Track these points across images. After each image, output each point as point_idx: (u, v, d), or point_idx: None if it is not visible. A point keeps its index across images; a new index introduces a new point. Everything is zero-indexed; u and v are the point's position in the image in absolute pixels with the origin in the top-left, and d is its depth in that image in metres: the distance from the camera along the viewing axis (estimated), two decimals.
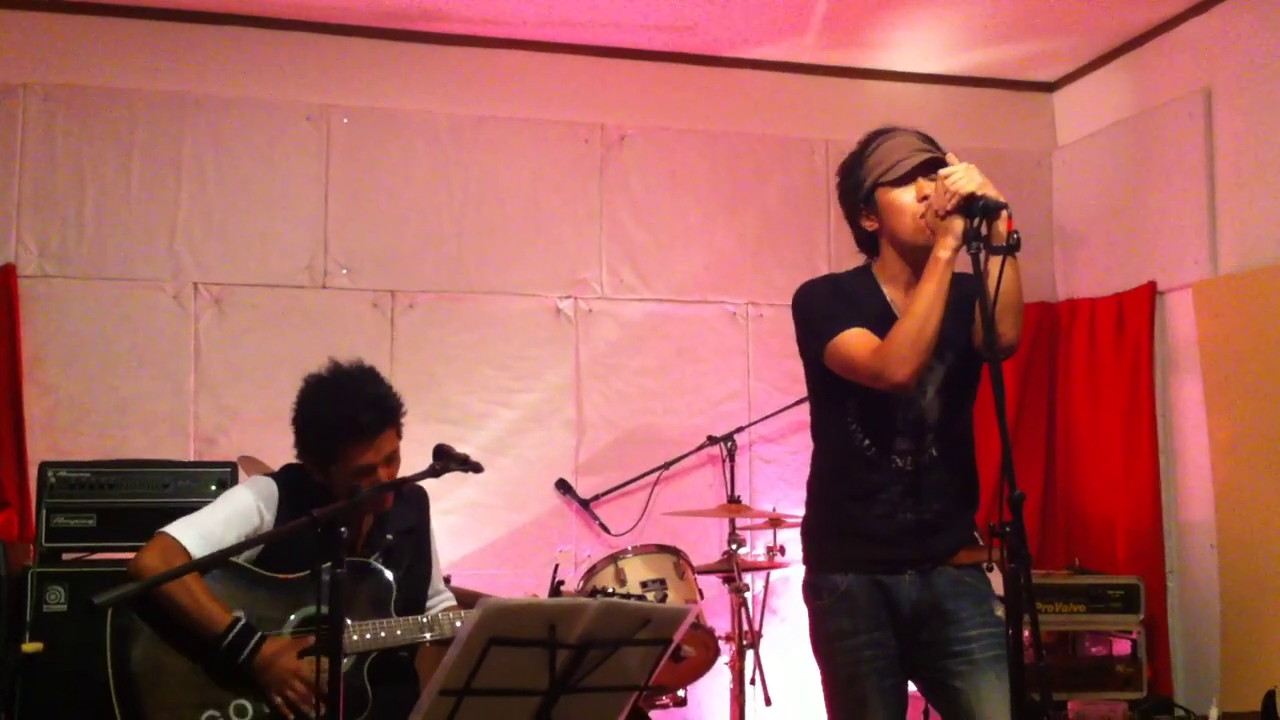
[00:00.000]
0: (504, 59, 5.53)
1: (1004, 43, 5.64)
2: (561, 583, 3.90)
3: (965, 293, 2.71)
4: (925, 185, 2.79)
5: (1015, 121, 6.08)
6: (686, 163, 5.69)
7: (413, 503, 3.39)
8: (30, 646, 4.03)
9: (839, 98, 5.87)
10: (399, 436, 3.24)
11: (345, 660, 3.00)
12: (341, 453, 3.11)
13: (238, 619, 2.95)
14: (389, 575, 3.17)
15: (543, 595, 3.69)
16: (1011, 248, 2.55)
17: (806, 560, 3.03)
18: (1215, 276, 5.04)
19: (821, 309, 2.90)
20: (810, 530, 3.04)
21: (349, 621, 3.03)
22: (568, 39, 5.52)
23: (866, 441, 2.88)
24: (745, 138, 5.76)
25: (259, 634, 2.96)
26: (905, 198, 2.82)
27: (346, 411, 3.11)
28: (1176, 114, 5.27)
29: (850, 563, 2.89)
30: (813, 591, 2.98)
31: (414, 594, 3.31)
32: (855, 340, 2.79)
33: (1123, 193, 5.64)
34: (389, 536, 3.26)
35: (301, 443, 3.20)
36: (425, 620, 3.15)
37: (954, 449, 2.90)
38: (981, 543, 2.85)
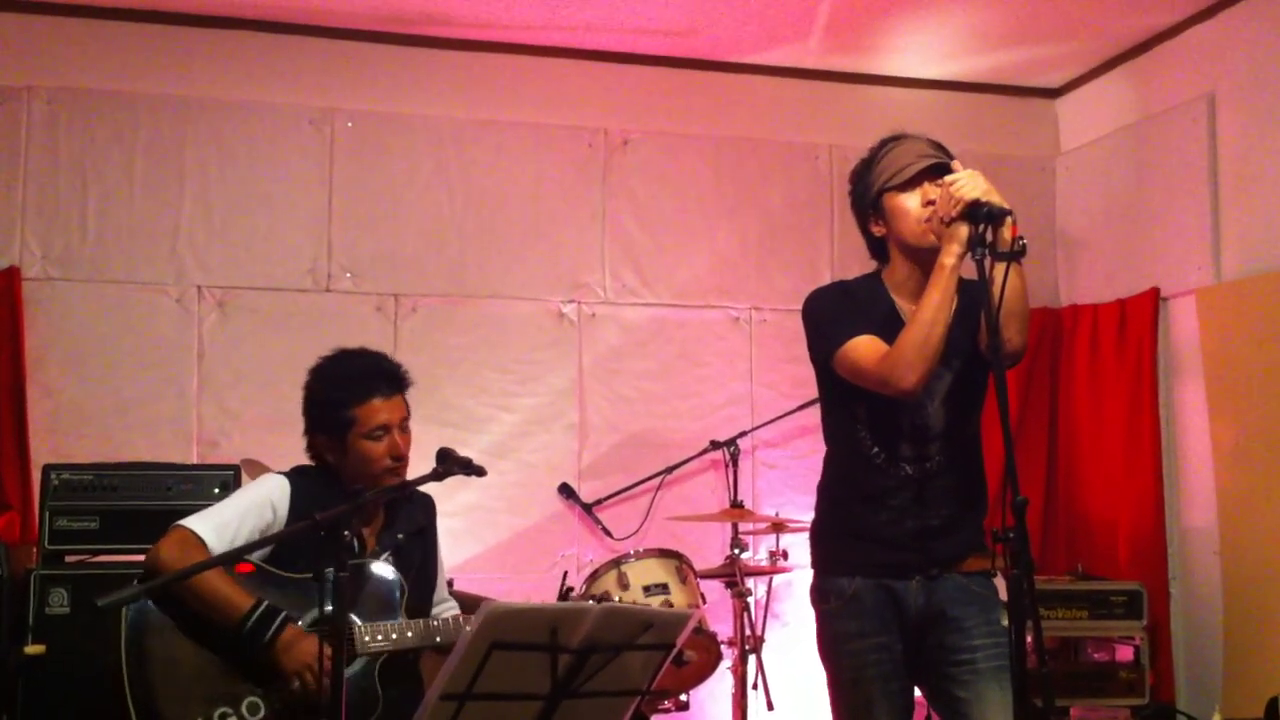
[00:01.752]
0: (507, 63, 5.53)
1: (1007, 49, 5.64)
2: (570, 589, 3.90)
3: (972, 299, 2.72)
4: (930, 190, 2.80)
5: (1018, 127, 6.09)
6: (689, 167, 5.69)
7: (421, 506, 3.41)
8: (33, 649, 4.03)
9: (842, 103, 5.87)
10: (409, 411, 3.28)
11: (358, 661, 3.03)
12: (359, 412, 3.14)
13: (261, 601, 2.96)
14: (400, 577, 3.18)
15: (548, 600, 3.68)
16: (1016, 254, 2.56)
17: (814, 564, 3.04)
18: (1218, 283, 5.04)
19: (831, 315, 2.92)
20: (819, 534, 3.05)
21: (361, 622, 3.04)
22: (571, 43, 5.53)
23: (875, 448, 2.89)
24: (748, 142, 5.76)
25: (283, 614, 2.96)
26: (910, 202, 2.84)
27: (361, 367, 3.23)
28: (1180, 120, 5.27)
29: (858, 566, 2.90)
30: (820, 595, 2.98)
31: (421, 597, 3.31)
32: (864, 347, 2.81)
33: (1126, 199, 5.64)
34: (400, 536, 3.26)
35: (316, 417, 3.21)
36: (436, 624, 3.15)
37: (961, 455, 2.91)
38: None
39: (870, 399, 2.85)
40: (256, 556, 3.06)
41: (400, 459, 3.20)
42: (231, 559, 2.93)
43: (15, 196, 4.98)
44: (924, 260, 2.83)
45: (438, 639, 3.13)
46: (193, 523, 3.04)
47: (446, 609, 3.47)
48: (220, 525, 3.05)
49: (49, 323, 4.95)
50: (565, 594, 3.84)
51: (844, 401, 2.94)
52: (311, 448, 3.26)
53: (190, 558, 2.92)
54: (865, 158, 2.98)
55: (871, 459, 2.90)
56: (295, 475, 3.24)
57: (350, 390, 3.17)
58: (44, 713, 4.02)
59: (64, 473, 4.28)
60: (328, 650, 2.95)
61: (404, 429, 3.23)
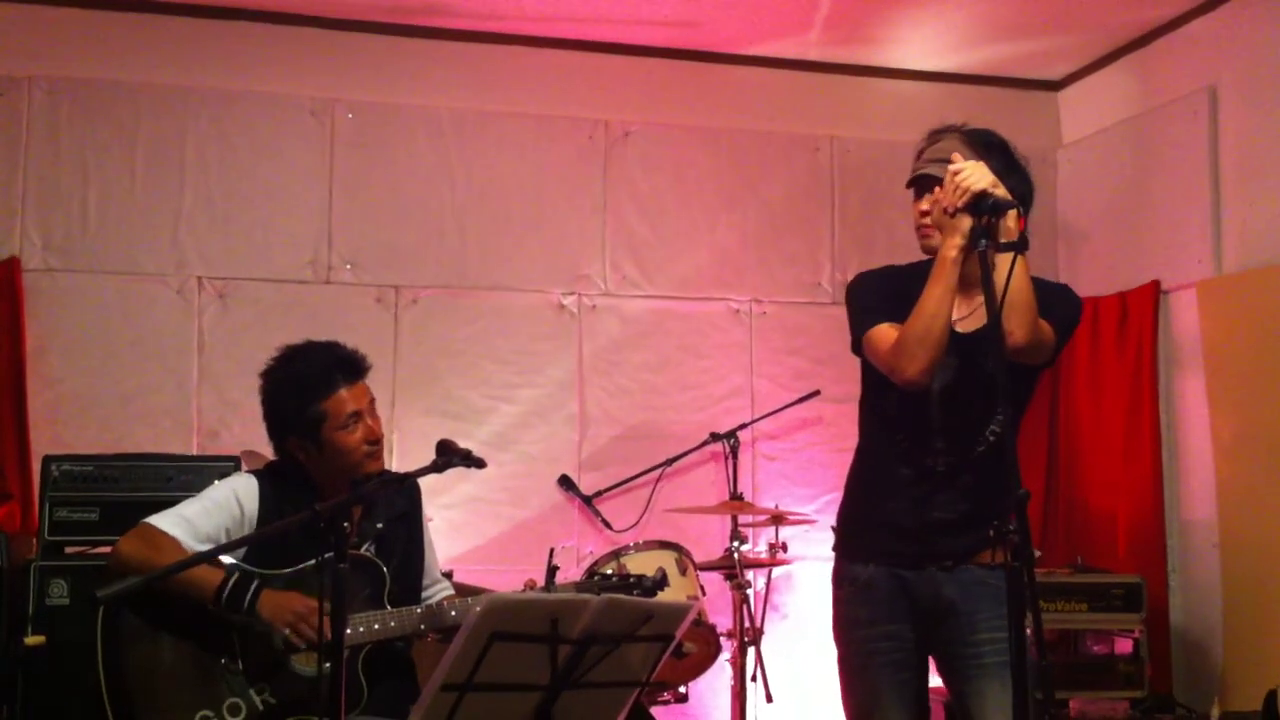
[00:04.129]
0: (508, 54, 5.53)
1: (1009, 40, 5.63)
2: (557, 567, 3.89)
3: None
4: (927, 200, 2.84)
5: (1020, 119, 6.06)
6: (690, 159, 5.69)
7: (403, 490, 3.36)
8: (32, 640, 4.03)
9: (843, 95, 5.86)
10: (372, 394, 3.25)
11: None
12: (327, 406, 3.11)
13: (233, 570, 2.95)
14: (381, 565, 3.16)
15: (540, 582, 3.67)
16: (1017, 245, 2.55)
17: (835, 548, 3.06)
18: (1219, 275, 5.04)
19: (861, 302, 2.96)
20: (840, 520, 3.08)
21: None
22: (572, 34, 5.52)
23: (900, 436, 2.90)
24: (749, 134, 5.75)
25: (256, 579, 2.96)
26: (915, 207, 2.89)
27: (318, 360, 3.17)
28: (1181, 113, 5.26)
29: (873, 554, 2.92)
30: (837, 580, 3.01)
31: (408, 583, 3.28)
32: (881, 335, 2.84)
33: (1127, 191, 5.63)
34: (379, 525, 3.23)
35: (284, 420, 3.17)
36: (420, 610, 3.13)
37: (989, 455, 2.87)
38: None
39: (900, 390, 2.84)
40: (236, 555, 3.04)
41: (376, 442, 3.18)
42: (222, 551, 2.93)
43: (15, 187, 4.98)
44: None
45: (421, 626, 3.10)
46: (156, 519, 3.04)
47: (440, 591, 3.44)
48: (183, 519, 3.04)
49: (49, 313, 4.95)
50: (553, 572, 3.83)
51: (877, 389, 2.95)
52: (281, 451, 3.22)
53: (153, 551, 2.93)
54: (919, 147, 2.98)
55: (892, 450, 2.91)
56: (266, 474, 3.23)
57: (314, 386, 3.13)
58: (44, 704, 4.03)
59: (64, 464, 4.27)
60: (312, 604, 2.94)
61: (373, 413, 3.21)
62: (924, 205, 2.84)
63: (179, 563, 2.73)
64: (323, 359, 3.19)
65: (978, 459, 2.87)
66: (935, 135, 2.91)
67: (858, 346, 2.93)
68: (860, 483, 3.04)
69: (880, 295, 2.92)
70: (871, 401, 3.01)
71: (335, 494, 2.93)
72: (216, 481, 3.28)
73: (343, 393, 3.13)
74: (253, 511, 3.11)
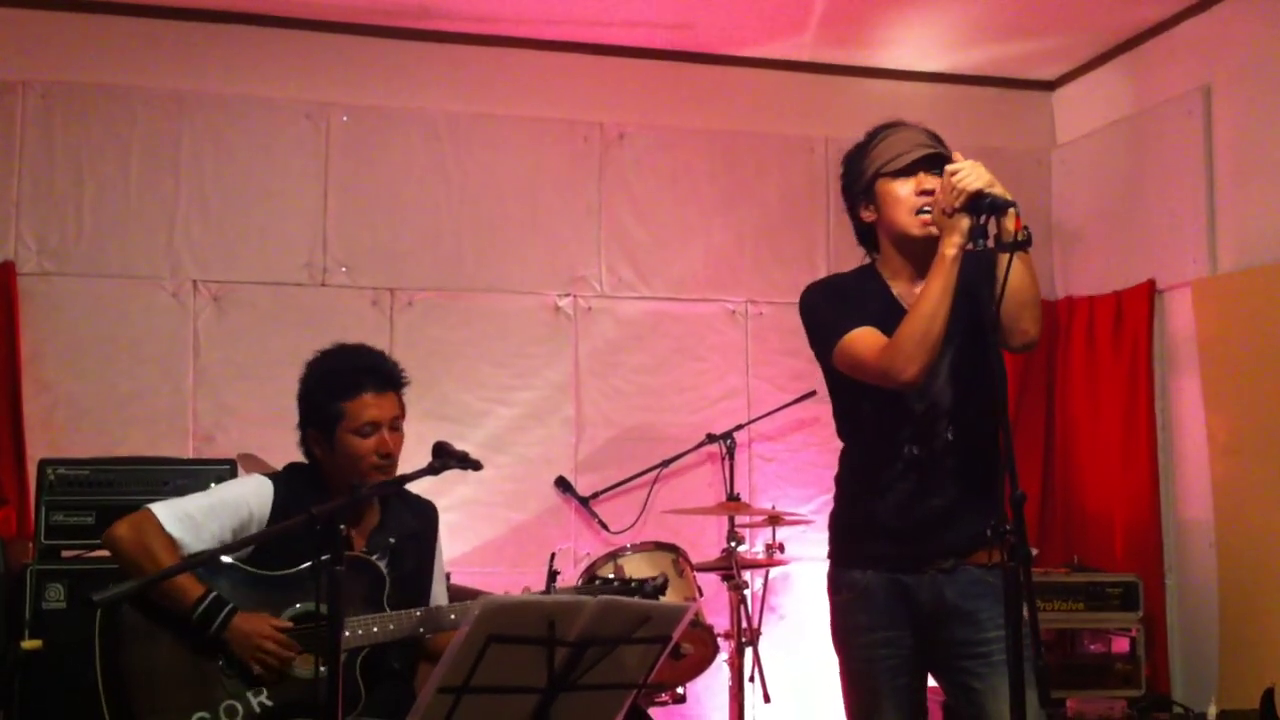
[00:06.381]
0: (503, 57, 5.52)
1: (1003, 41, 5.64)
2: (557, 572, 3.89)
3: (969, 276, 2.71)
4: (925, 179, 2.80)
5: (1014, 120, 6.08)
6: (686, 161, 5.69)
7: (419, 511, 3.39)
8: (29, 644, 4.03)
9: (838, 96, 5.86)
10: (402, 411, 3.27)
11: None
12: (348, 406, 3.13)
13: (210, 591, 2.95)
14: (381, 568, 3.16)
15: (539, 587, 3.67)
16: (1021, 243, 2.55)
17: (830, 554, 3.05)
18: (1214, 275, 5.04)
19: (827, 312, 2.93)
20: (834, 525, 3.06)
21: None
22: (567, 37, 5.52)
23: (881, 434, 2.89)
24: (744, 135, 5.76)
25: (230, 604, 2.96)
26: (904, 190, 2.84)
27: (355, 362, 3.23)
28: (1175, 112, 5.27)
29: (871, 559, 2.90)
30: (834, 586, 3.00)
31: (410, 601, 3.27)
32: (863, 339, 2.81)
33: (1122, 191, 5.64)
34: (391, 539, 3.24)
35: (308, 410, 3.20)
36: (418, 614, 3.12)
37: (971, 434, 2.88)
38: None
39: (875, 392, 2.84)
40: (236, 555, 3.05)
41: (388, 457, 3.18)
42: (218, 554, 2.93)
43: (10, 191, 4.97)
44: (914, 251, 2.86)
45: (420, 629, 3.10)
46: (159, 508, 3.04)
47: None
48: (186, 515, 3.04)
49: (44, 317, 4.94)
50: (553, 575, 3.84)
51: (850, 396, 2.94)
52: (303, 442, 3.25)
53: (143, 552, 2.94)
54: (860, 142, 2.96)
55: (879, 446, 2.90)
56: (283, 475, 3.23)
57: (342, 384, 3.16)
58: (41, 708, 4.02)
59: (60, 467, 4.27)
60: (275, 621, 2.96)
61: (394, 428, 3.22)
62: (928, 184, 2.78)
63: (172, 568, 2.73)
64: (359, 361, 3.24)
65: (962, 441, 2.87)
66: (889, 129, 2.90)
67: (827, 355, 2.90)
68: (848, 488, 3.03)
69: (842, 303, 2.91)
70: (847, 407, 3.01)
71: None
72: (234, 480, 3.29)
73: (367, 398, 3.16)
74: (263, 515, 3.11)
